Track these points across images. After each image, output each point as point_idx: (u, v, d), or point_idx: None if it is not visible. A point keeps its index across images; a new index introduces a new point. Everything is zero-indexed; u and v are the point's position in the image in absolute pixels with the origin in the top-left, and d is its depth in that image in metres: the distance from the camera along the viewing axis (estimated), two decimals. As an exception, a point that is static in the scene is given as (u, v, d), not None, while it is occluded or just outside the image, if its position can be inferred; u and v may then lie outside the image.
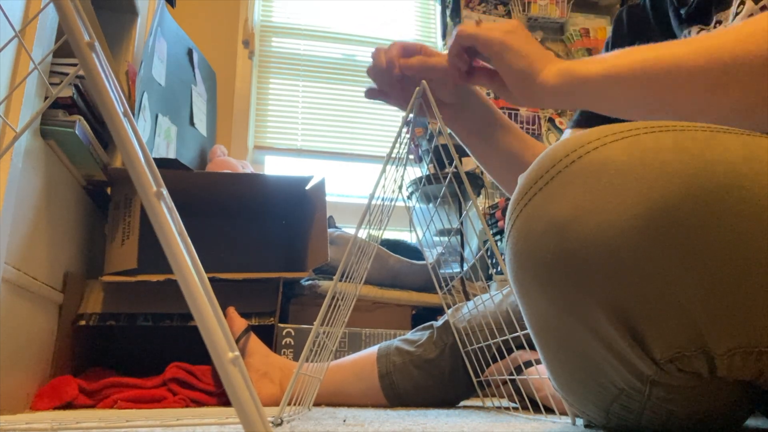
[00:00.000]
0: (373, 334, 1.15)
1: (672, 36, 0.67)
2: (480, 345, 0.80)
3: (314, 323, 0.57)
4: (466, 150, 0.77)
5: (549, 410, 0.72)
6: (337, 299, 0.62)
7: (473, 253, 1.91)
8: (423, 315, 1.33)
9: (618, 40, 0.74)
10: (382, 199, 0.69)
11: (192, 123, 1.61)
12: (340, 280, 0.61)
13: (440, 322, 0.90)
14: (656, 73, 0.47)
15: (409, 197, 1.71)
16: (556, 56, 0.58)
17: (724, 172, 0.35)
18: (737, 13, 0.55)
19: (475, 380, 0.84)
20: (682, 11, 0.64)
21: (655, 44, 0.49)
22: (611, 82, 0.50)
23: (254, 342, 0.92)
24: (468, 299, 1.15)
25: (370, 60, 0.72)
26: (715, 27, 0.60)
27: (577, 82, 0.52)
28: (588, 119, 0.75)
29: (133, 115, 1.15)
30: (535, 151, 0.74)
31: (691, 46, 0.46)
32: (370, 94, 0.73)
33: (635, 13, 0.73)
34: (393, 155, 0.66)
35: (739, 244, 0.34)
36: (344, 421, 0.58)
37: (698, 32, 0.62)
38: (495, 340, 0.76)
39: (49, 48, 0.80)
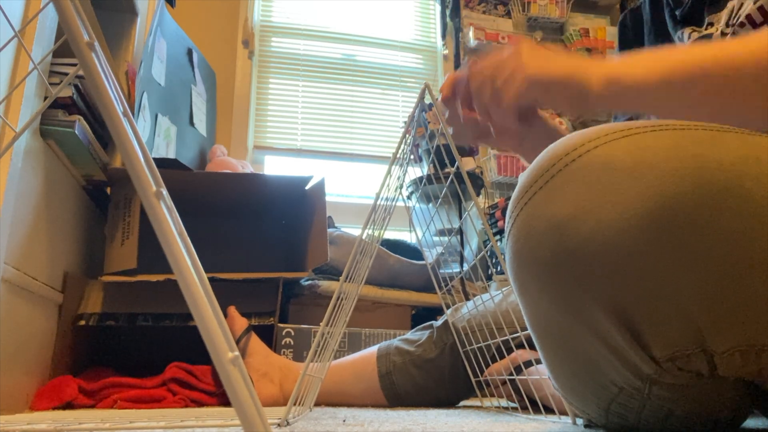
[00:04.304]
0: (373, 334, 1.15)
1: (667, 37, 0.67)
2: (480, 345, 0.80)
3: (320, 324, 0.57)
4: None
5: (549, 410, 0.72)
6: (341, 299, 0.62)
7: (473, 253, 1.91)
8: (423, 315, 1.33)
9: (626, 47, 0.74)
10: (384, 199, 0.69)
11: (192, 123, 1.61)
12: (345, 281, 0.61)
13: (440, 322, 0.90)
14: (716, 76, 0.45)
15: (408, 197, 1.71)
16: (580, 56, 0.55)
17: (724, 172, 0.35)
18: (737, 15, 0.55)
19: (474, 380, 0.84)
20: (677, 12, 0.64)
21: (705, 44, 0.48)
22: (668, 90, 0.48)
23: (255, 342, 0.92)
24: (468, 299, 1.15)
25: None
26: (706, 29, 0.60)
27: (629, 91, 0.50)
28: None
29: (133, 115, 1.15)
30: None
31: (748, 46, 0.45)
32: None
33: (636, 16, 0.73)
34: (398, 155, 0.66)
35: (739, 243, 0.34)
36: (344, 421, 0.58)
37: (690, 33, 0.62)
38: (495, 340, 0.76)
39: (48, 48, 0.80)
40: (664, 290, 0.35)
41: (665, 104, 0.49)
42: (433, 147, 1.65)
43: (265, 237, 1.29)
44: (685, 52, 0.48)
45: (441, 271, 1.29)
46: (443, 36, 2.31)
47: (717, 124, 0.40)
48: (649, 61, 0.50)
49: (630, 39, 0.73)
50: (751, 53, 0.44)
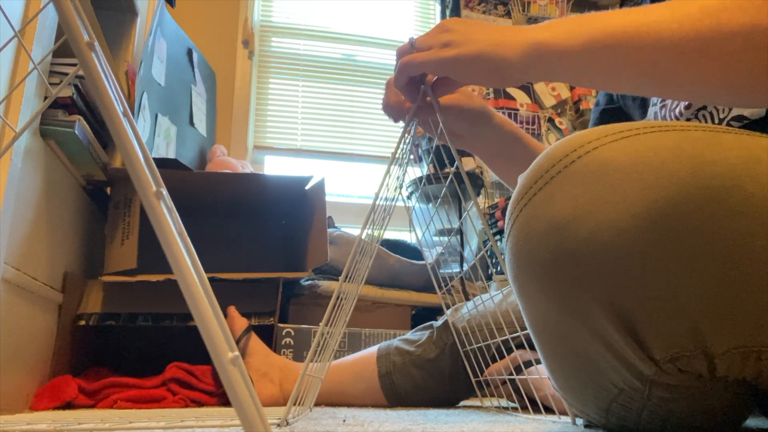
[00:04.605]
0: (373, 334, 1.15)
1: None
2: (480, 345, 0.80)
3: (320, 323, 0.57)
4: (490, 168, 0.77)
5: (549, 410, 0.72)
6: (341, 299, 0.62)
7: (473, 253, 1.91)
8: (423, 315, 1.33)
9: None
10: (384, 199, 0.69)
11: (192, 123, 1.61)
12: (344, 281, 0.61)
13: (440, 322, 0.90)
14: (636, 44, 0.44)
15: (408, 197, 1.71)
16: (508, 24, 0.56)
17: (724, 173, 0.35)
18: None
19: (474, 380, 0.84)
20: None
21: (631, 9, 0.46)
22: (588, 56, 0.47)
23: (255, 342, 0.92)
24: (467, 299, 1.15)
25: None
26: None
27: (552, 57, 0.49)
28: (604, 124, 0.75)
29: (133, 115, 1.15)
30: None
31: (672, 12, 0.43)
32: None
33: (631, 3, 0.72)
34: (396, 155, 0.66)
35: (739, 244, 0.34)
36: (344, 421, 0.58)
37: None
38: (495, 340, 0.76)
39: (48, 48, 0.80)
40: (664, 291, 0.35)
41: (587, 71, 0.48)
42: (432, 147, 1.65)
43: (265, 237, 1.29)
44: (608, 16, 0.47)
45: (441, 271, 1.29)
46: (443, 36, 2.31)
47: (640, 92, 0.39)
48: (572, 26, 0.48)
49: None
50: (677, 21, 0.43)
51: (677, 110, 0.60)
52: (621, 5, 0.76)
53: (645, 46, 0.44)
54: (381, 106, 0.69)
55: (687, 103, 0.59)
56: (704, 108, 0.57)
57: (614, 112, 0.75)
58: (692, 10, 0.42)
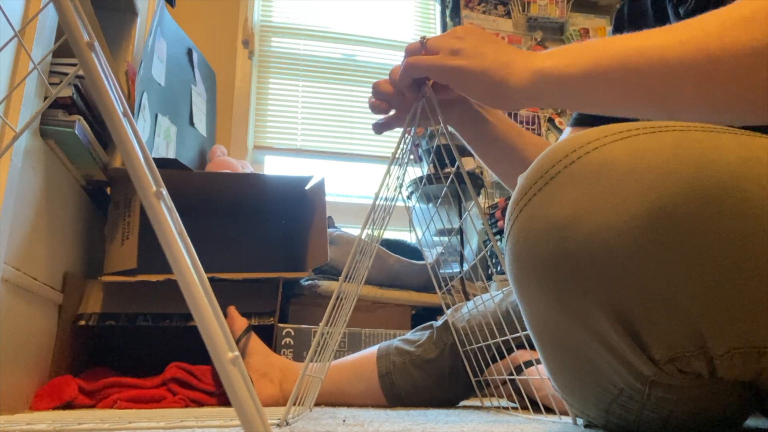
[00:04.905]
0: (373, 334, 1.15)
1: None
2: (480, 345, 0.80)
3: (320, 323, 0.57)
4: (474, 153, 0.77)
5: (549, 410, 0.72)
6: (341, 299, 0.62)
7: (473, 252, 1.91)
8: (423, 315, 1.33)
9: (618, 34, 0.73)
10: (384, 199, 0.69)
11: (192, 123, 1.61)
12: (344, 281, 0.61)
13: (440, 322, 0.90)
14: (640, 68, 0.44)
15: (408, 197, 1.71)
16: (518, 48, 0.56)
17: (724, 173, 0.35)
18: None
19: (474, 380, 0.84)
20: (681, 10, 0.64)
21: (633, 34, 0.46)
22: (590, 83, 0.47)
23: (255, 342, 0.92)
24: (468, 299, 1.15)
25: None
26: None
27: (554, 84, 0.49)
28: (588, 116, 0.75)
29: (133, 115, 1.15)
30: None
31: (674, 35, 0.43)
32: (379, 128, 0.70)
33: (636, 7, 0.72)
34: (396, 155, 0.66)
35: (739, 244, 0.34)
36: (344, 421, 0.58)
37: None
38: (495, 340, 0.76)
39: (48, 48, 0.80)
40: (663, 292, 0.35)
41: (590, 98, 0.48)
42: (433, 147, 1.65)
43: (265, 237, 1.29)
44: (612, 41, 0.47)
45: (441, 271, 1.29)
46: (443, 36, 2.31)
47: (646, 120, 0.39)
48: (575, 52, 0.48)
49: (624, 29, 0.72)
50: (680, 43, 0.42)
51: None
52: (620, 6, 0.75)
53: (649, 70, 0.44)
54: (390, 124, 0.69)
55: None
56: None
57: None
58: (696, 33, 0.42)
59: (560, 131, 2.14)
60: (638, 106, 0.46)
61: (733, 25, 0.40)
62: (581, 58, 0.47)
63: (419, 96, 0.64)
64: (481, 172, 1.88)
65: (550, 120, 2.17)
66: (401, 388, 0.86)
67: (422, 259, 1.35)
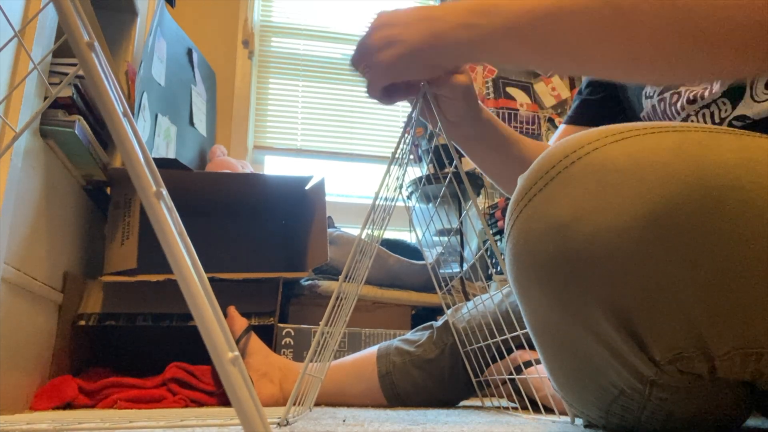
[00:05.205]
0: (373, 334, 1.15)
1: None
2: (480, 345, 0.80)
3: (320, 323, 0.57)
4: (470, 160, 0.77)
5: (549, 410, 0.72)
6: (341, 299, 0.63)
7: (473, 253, 1.91)
8: (423, 315, 1.33)
9: None
10: (384, 199, 0.69)
11: (191, 123, 1.61)
12: (344, 281, 0.61)
13: (440, 322, 0.90)
14: (570, 16, 0.45)
15: (408, 197, 1.71)
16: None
17: (724, 174, 0.35)
18: None
19: (474, 380, 0.84)
20: None
21: None
22: (528, 31, 0.48)
23: (255, 342, 0.92)
24: (467, 299, 1.15)
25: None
26: None
27: (482, 40, 0.50)
28: (582, 114, 0.75)
29: (133, 115, 1.15)
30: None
31: None
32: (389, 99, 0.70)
33: None
34: (396, 155, 0.66)
35: (739, 245, 0.34)
36: (344, 421, 0.58)
37: None
38: (495, 340, 0.76)
39: (48, 48, 0.80)
40: (664, 293, 0.35)
41: (525, 47, 0.49)
42: (432, 147, 1.65)
43: (265, 237, 1.29)
44: None
45: (441, 271, 1.29)
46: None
47: (577, 69, 0.39)
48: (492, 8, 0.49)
49: None
50: None
51: (678, 105, 0.60)
52: None
53: (576, 18, 0.44)
54: (382, 106, 0.70)
55: (689, 97, 0.59)
56: (706, 106, 0.57)
57: (593, 103, 0.75)
58: None
59: (560, 131, 2.14)
60: (570, 57, 0.48)
61: None
62: (515, 8, 0.48)
63: (418, 96, 0.64)
64: (481, 173, 1.88)
65: (550, 120, 2.17)
66: (401, 388, 0.86)
67: (422, 259, 1.35)
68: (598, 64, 0.47)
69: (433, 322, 0.92)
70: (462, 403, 0.95)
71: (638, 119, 0.68)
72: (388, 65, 0.56)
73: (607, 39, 0.44)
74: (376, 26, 0.58)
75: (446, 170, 1.50)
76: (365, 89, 0.64)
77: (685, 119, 0.60)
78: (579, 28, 0.44)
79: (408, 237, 1.60)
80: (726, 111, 0.55)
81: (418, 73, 0.59)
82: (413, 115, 0.66)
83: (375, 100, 0.67)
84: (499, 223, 1.69)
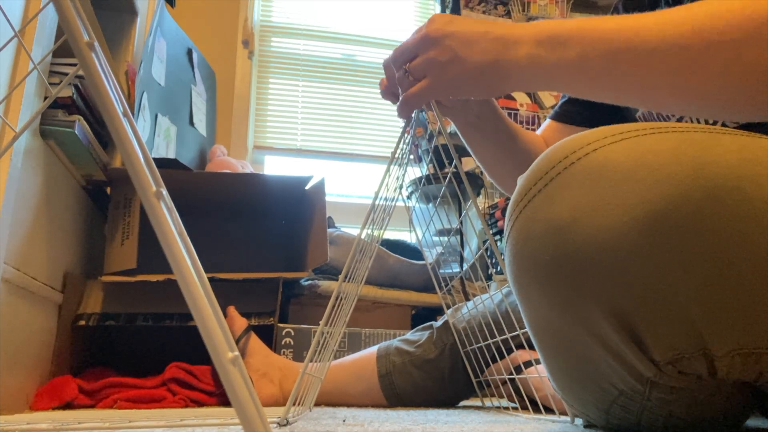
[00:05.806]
0: (373, 334, 1.15)
1: None
2: (480, 345, 0.80)
3: (320, 323, 0.57)
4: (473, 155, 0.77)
5: (549, 410, 0.72)
6: (341, 299, 0.63)
7: (473, 253, 1.91)
8: (423, 315, 1.33)
9: None
10: (384, 199, 0.69)
11: (191, 123, 1.61)
12: (344, 281, 0.61)
13: (440, 322, 0.90)
14: (629, 56, 0.44)
15: (408, 197, 1.71)
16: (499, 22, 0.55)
17: (723, 174, 0.34)
18: None
19: (474, 380, 0.84)
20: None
21: (631, 16, 0.46)
22: (585, 67, 0.47)
23: (255, 342, 0.92)
24: (467, 299, 1.15)
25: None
26: None
27: (549, 69, 0.49)
28: (565, 112, 0.75)
29: (133, 115, 1.15)
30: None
31: (659, 23, 0.43)
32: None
33: (631, 5, 0.72)
34: (396, 155, 0.66)
35: (739, 245, 0.34)
36: (344, 421, 0.58)
37: None
38: (495, 340, 0.76)
39: (48, 48, 0.80)
40: (663, 293, 0.35)
41: (585, 82, 0.48)
42: (432, 147, 1.65)
43: (265, 237, 1.29)
44: (606, 23, 0.47)
45: (441, 271, 1.29)
46: (443, 36, 2.30)
47: (644, 106, 0.39)
48: (570, 33, 0.48)
49: None
50: (661, 32, 0.43)
51: None
52: (615, 5, 0.75)
53: (635, 58, 0.44)
54: (381, 104, 0.70)
55: None
56: None
57: (578, 101, 0.75)
58: (677, 19, 0.43)
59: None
60: (634, 93, 0.47)
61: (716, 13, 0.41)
62: (571, 49, 0.48)
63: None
64: (481, 173, 1.88)
65: (550, 120, 2.17)
66: (401, 388, 0.86)
67: (422, 259, 1.35)
68: (671, 104, 0.46)
69: (433, 323, 0.92)
70: (462, 403, 0.95)
71: (634, 119, 0.68)
72: (449, 83, 0.54)
73: (684, 84, 0.43)
74: (438, 36, 0.54)
75: (446, 170, 1.50)
76: (399, 95, 0.60)
77: (680, 119, 0.60)
78: (656, 70, 0.43)
79: (408, 237, 1.60)
80: None
81: (478, 94, 0.55)
82: (413, 114, 0.66)
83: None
84: (499, 223, 1.69)
